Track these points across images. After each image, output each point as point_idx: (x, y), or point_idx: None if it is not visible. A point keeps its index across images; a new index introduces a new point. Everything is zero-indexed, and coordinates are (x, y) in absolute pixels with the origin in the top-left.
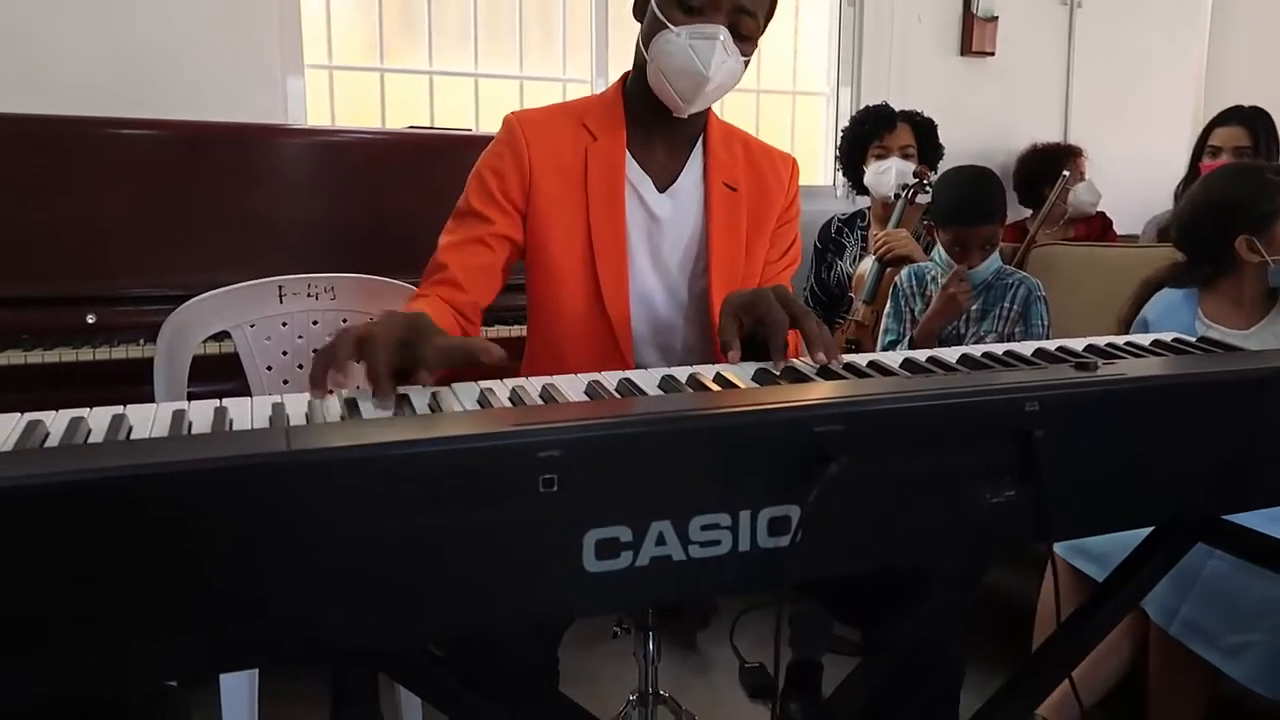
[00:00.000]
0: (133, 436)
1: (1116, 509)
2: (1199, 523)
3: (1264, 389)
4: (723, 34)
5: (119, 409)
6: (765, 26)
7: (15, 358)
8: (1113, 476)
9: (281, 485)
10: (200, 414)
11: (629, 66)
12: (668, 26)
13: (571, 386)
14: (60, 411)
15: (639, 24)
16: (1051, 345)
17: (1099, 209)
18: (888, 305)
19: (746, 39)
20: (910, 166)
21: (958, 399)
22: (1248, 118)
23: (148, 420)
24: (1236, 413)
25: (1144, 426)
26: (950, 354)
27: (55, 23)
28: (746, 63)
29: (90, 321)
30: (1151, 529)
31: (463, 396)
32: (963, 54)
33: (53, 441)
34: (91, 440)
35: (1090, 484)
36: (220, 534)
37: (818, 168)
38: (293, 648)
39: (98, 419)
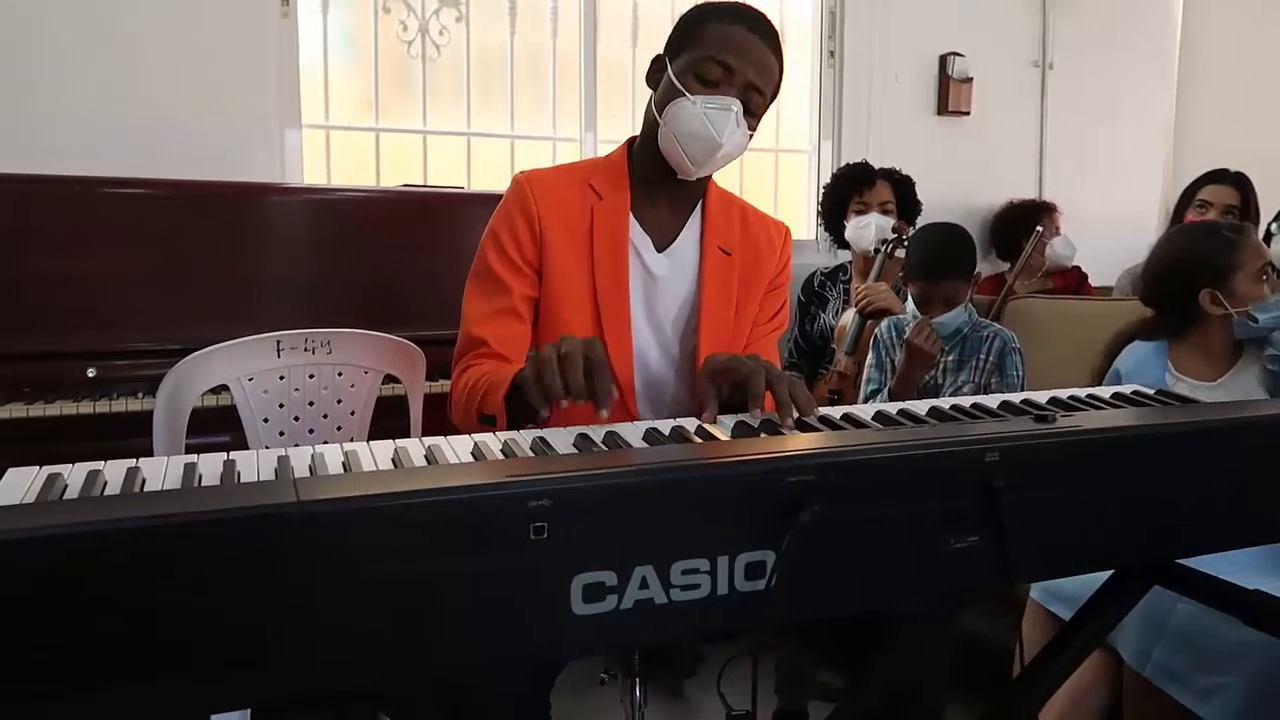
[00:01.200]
0: (146, 489)
1: (1074, 553)
2: (1154, 566)
3: (1210, 440)
4: (736, 105)
5: (132, 462)
6: (770, 105)
7: (17, 410)
8: (1070, 522)
9: (291, 534)
10: (210, 466)
11: (619, 125)
12: (684, 95)
13: (561, 439)
14: (77, 465)
15: (652, 91)
16: (1017, 398)
17: (1074, 262)
18: (869, 356)
19: (753, 115)
20: (889, 222)
21: (922, 450)
22: (1238, 180)
23: (160, 473)
24: (1185, 462)
25: (1099, 476)
26: (920, 407)
27: (57, 84)
28: (750, 136)
29: (91, 375)
30: (1111, 572)
31: (458, 448)
32: (939, 113)
33: (72, 494)
34: (108, 492)
35: (1049, 530)
36: (233, 580)
37: (801, 223)
38: (297, 686)
39: (113, 472)
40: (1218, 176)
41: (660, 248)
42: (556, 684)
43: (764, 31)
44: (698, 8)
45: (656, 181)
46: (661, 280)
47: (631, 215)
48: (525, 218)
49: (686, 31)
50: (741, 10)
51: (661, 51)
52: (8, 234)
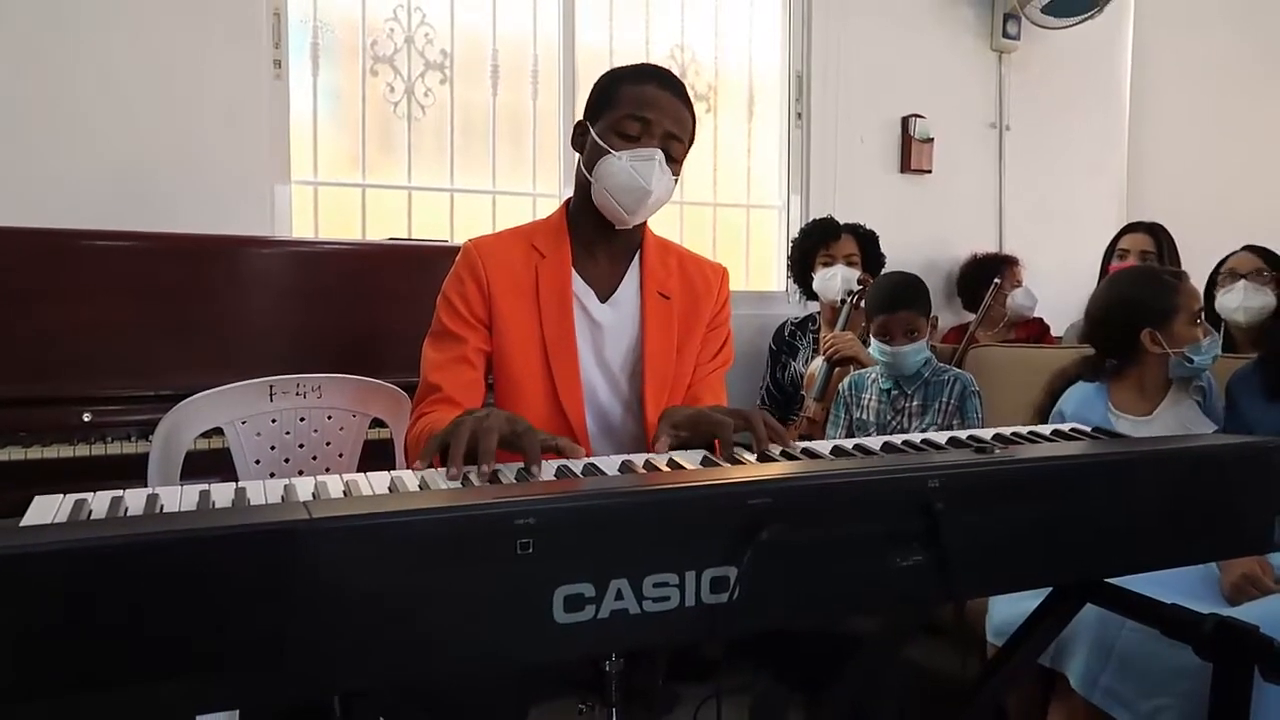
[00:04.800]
0: (165, 512)
1: (1011, 572)
2: (1087, 585)
3: (1134, 470)
4: (658, 155)
5: (150, 489)
6: (688, 149)
7: (15, 453)
8: (1007, 544)
9: (303, 548)
10: (222, 493)
11: None
12: (610, 152)
13: (543, 469)
14: (99, 492)
15: (578, 153)
16: (963, 434)
17: (1037, 314)
18: (831, 410)
19: (675, 160)
20: (855, 274)
21: (869, 477)
22: (1151, 228)
23: (176, 499)
24: (1112, 490)
25: (1032, 501)
26: (874, 442)
27: (54, 140)
28: (675, 180)
29: (85, 420)
30: (1048, 592)
31: (447, 478)
32: (902, 171)
33: (98, 516)
34: (131, 514)
35: (986, 550)
36: (249, 589)
37: (772, 275)
38: (307, 685)
39: (134, 498)
40: (1133, 227)
41: (603, 298)
42: (536, 715)
43: (673, 87)
44: (608, 74)
45: (594, 236)
46: (606, 328)
47: (573, 269)
48: (475, 280)
49: (602, 96)
50: (648, 70)
51: (582, 118)
52: (6, 285)
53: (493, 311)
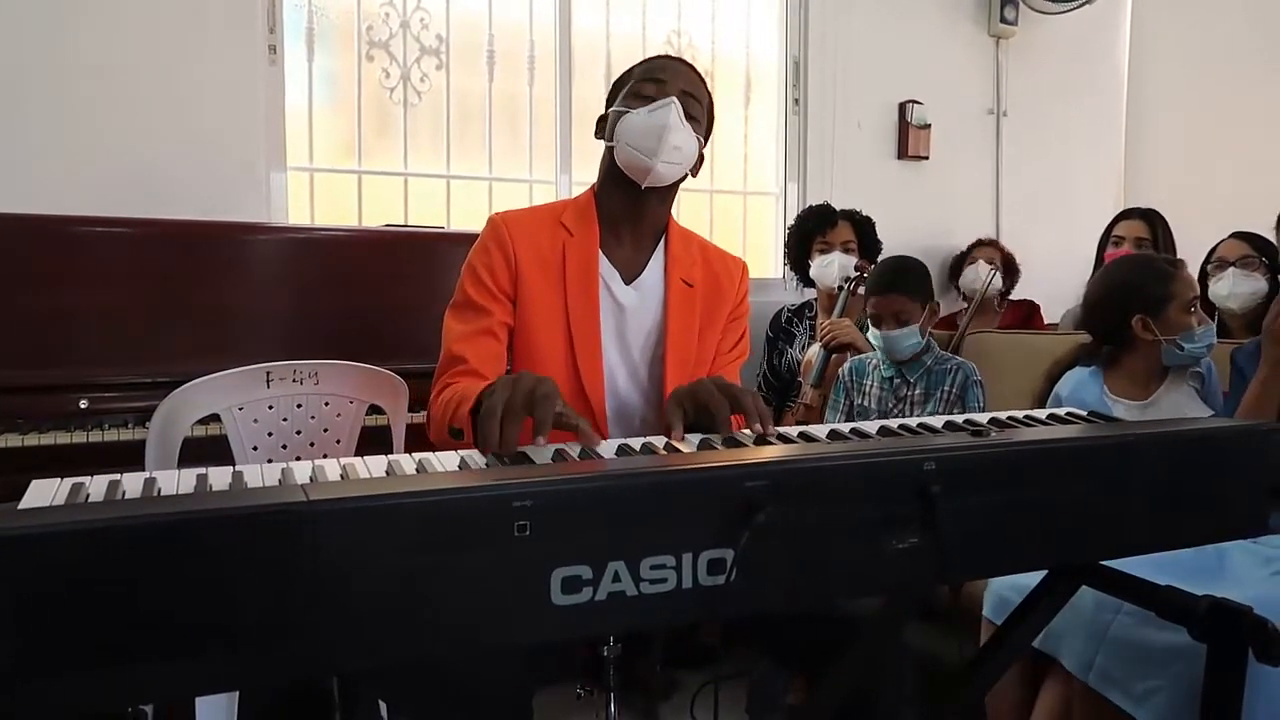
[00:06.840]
0: (162, 495)
1: (1007, 555)
2: (1082, 568)
3: (1129, 453)
4: (674, 102)
5: (148, 473)
6: (708, 126)
7: (12, 440)
8: (1002, 526)
9: (301, 530)
10: (219, 477)
11: (592, 168)
12: (629, 111)
13: (540, 453)
14: (96, 476)
15: (605, 143)
16: (960, 419)
17: (1028, 295)
18: (831, 395)
19: (695, 119)
20: (852, 260)
21: (865, 459)
22: (1146, 215)
23: (174, 482)
24: (1107, 473)
25: (1028, 484)
26: (870, 426)
27: (51, 127)
28: (699, 142)
29: (82, 406)
30: (1044, 575)
31: (445, 461)
32: (899, 158)
33: (95, 499)
34: (129, 498)
35: (982, 533)
36: (247, 571)
37: (768, 261)
38: (306, 666)
39: (131, 482)
40: (1129, 213)
41: (628, 280)
42: (536, 700)
43: (684, 63)
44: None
45: (621, 219)
46: (629, 311)
47: (600, 251)
48: (502, 253)
49: (618, 82)
50: (660, 55)
51: (602, 113)
52: (3, 272)
53: (518, 285)
